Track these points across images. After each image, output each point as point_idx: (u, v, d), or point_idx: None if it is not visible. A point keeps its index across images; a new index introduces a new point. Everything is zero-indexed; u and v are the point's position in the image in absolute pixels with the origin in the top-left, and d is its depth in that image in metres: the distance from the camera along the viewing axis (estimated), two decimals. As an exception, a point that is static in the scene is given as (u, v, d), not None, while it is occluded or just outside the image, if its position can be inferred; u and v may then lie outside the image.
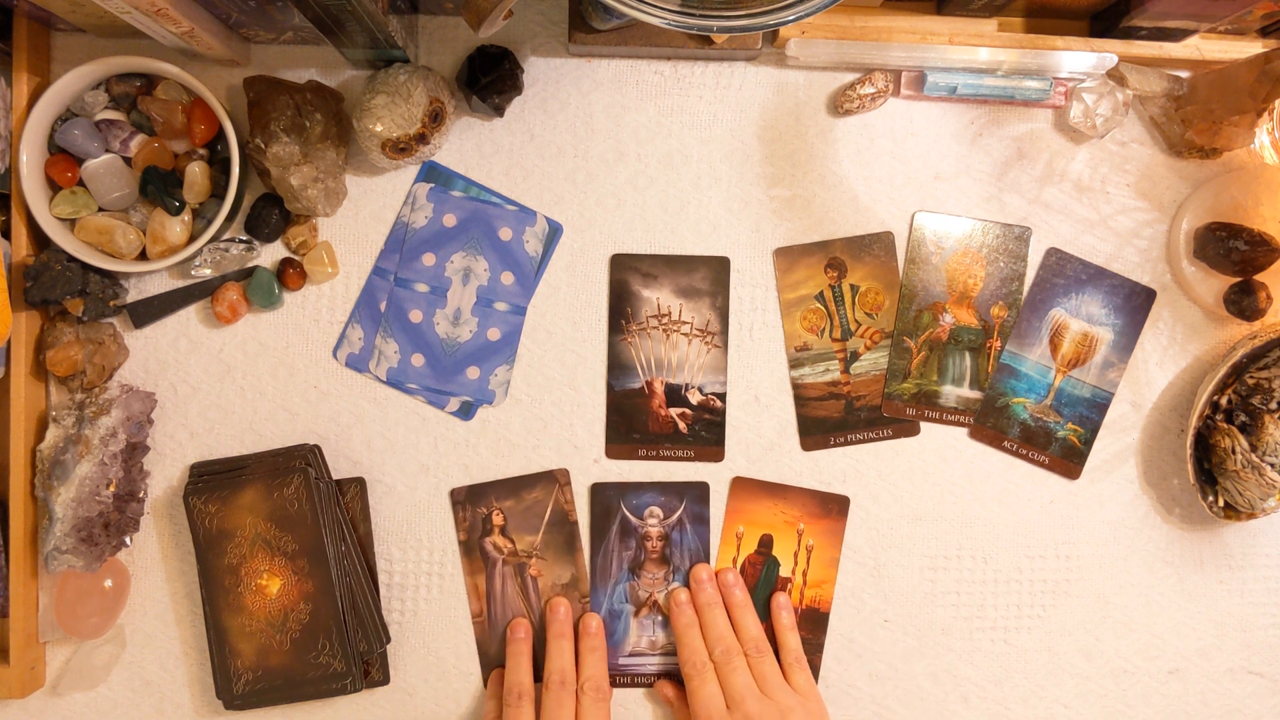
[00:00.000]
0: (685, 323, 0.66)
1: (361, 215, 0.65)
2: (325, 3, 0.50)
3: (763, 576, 0.66)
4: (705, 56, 0.65)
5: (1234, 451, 0.63)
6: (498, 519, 0.65)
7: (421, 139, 0.61)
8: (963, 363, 0.67)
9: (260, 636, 0.60)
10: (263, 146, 0.59)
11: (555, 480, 0.65)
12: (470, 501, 0.65)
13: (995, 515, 0.67)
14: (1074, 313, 0.67)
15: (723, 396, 0.66)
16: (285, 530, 0.60)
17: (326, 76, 0.64)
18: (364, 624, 0.62)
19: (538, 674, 0.63)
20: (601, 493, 0.66)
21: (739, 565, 0.66)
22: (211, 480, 0.62)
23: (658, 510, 0.66)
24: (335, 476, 0.64)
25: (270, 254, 0.64)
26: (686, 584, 0.66)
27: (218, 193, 0.61)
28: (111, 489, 0.59)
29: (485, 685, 0.65)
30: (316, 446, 0.63)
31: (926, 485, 0.67)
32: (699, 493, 0.66)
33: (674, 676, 0.65)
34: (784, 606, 0.65)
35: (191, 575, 0.64)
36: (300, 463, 0.61)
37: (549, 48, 0.65)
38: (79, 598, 0.61)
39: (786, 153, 0.67)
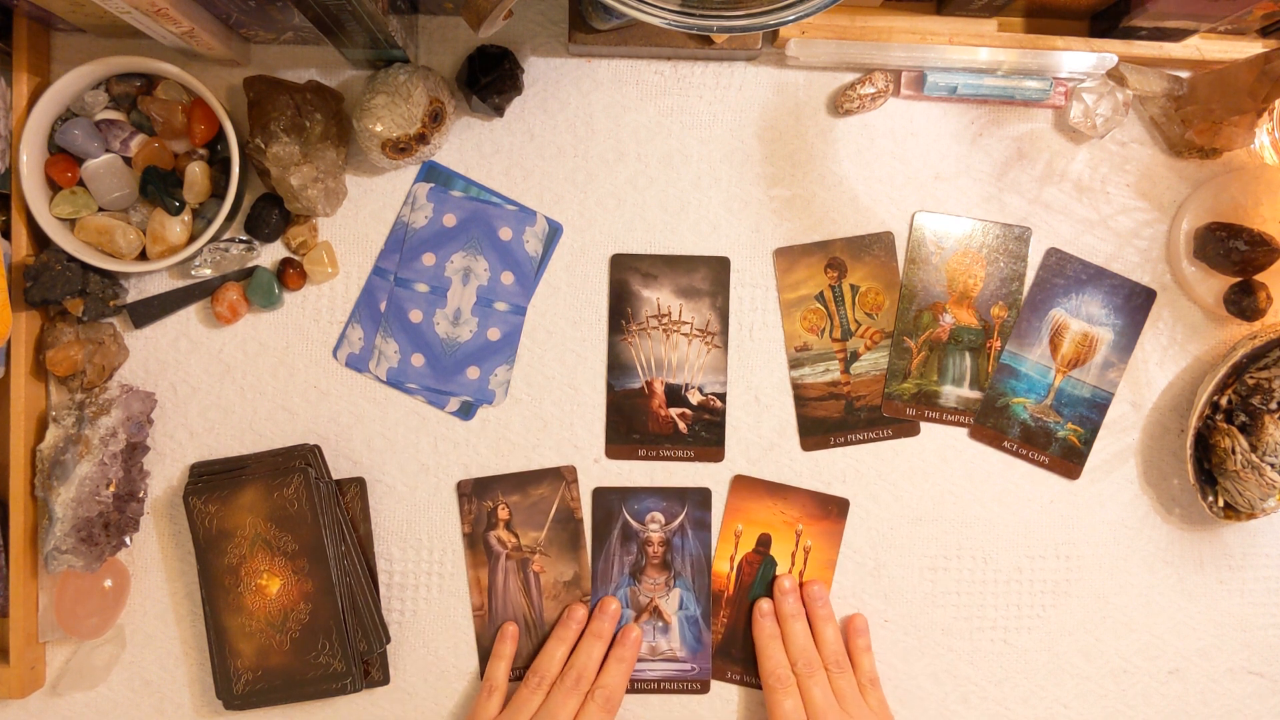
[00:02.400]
0: (685, 323, 0.66)
1: (361, 215, 0.65)
2: (325, 3, 0.50)
3: (759, 576, 0.66)
4: (705, 56, 0.65)
5: (1234, 451, 0.63)
6: (503, 513, 0.65)
7: (421, 139, 0.61)
8: (963, 363, 0.67)
9: (260, 636, 0.60)
10: (263, 146, 0.59)
11: (562, 477, 0.65)
12: (476, 494, 0.65)
13: (995, 515, 0.67)
14: (1074, 313, 0.67)
15: (723, 396, 0.66)
16: (285, 530, 0.60)
17: (326, 76, 0.64)
18: (364, 624, 0.62)
19: (518, 673, 0.64)
20: (603, 497, 0.66)
21: (736, 563, 0.66)
22: (211, 480, 0.62)
23: (659, 515, 0.66)
24: (335, 476, 0.64)
25: (270, 254, 0.64)
26: (692, 589, 0.66)
27: (218, 193, 0.61)
28: (111, 489, 0.59)
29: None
30: (316, 446, 0.63)
31: (926, 485, 0.67)
32: (701, 498, 0.66)
33: (674, 683, 0.65)
34: (861, 631, 0.65)
35: (191, 575, 0.64)
36: (300, 463, 0.61)
37: (549, 48, 0.65)
38: (79, 598, 0.61)
39: (786, 153, 0.67)
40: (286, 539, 0.60)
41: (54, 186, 0.60)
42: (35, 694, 0.63)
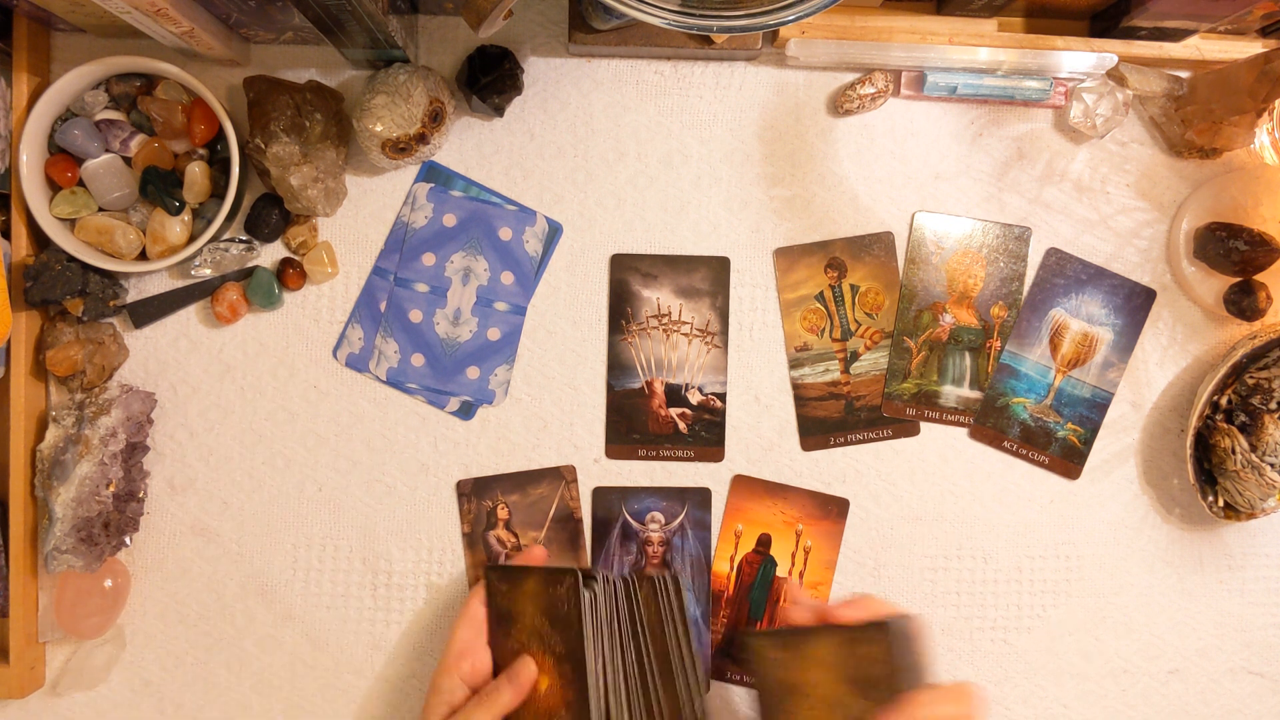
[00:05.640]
0: (685, 323, 0.66)
1: (361, 215, 0.65)
2: (325, 3, 0.50)
3: (759, 576, 0.66)
4: (705, 56, 0.65)
5: (1234, 451, 0.63)
6: (503, 513, 0.65)
7: (421, 139, 0.61)
8: (963, 363, 0.67)
9: None
10: (263, 146, 0.59)
11: (562, 477, 0.65)
12: (476, 494, 0.65)
13: (995, 515, 0.67)
14: (1074, 313, 0.67)
15: (723, 396, 0.66)
16: (555, 629, 0.55)
17: (326, 76, 0.64)
18: None
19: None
20: (603, 497, 0.66)
21: (736, 563, 0.66)
22: (509, 566, 0.58)
23: (659, 515, 0.66)
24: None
25: (270, 254, 0.64)
26: (691, 589, 0.66)
27: (218, 193, 0.61)
28: (111, 489, 0.59)
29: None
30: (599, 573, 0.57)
31: (926, 485, 0.67)
32: (701, 498, 0.66)
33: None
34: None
35: (191, 575, 0.64)
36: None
37: (549, 48, 0.65)
38: (79, 598, 0.61)
39: (786, 153, 0.67)
40: (555, 639, 0.55)
41: (54, 186, 0.60)
42: (35, 694, 0.63)
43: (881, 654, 0.48)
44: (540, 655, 0.55)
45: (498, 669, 0.57)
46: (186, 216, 0.60)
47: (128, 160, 0.60)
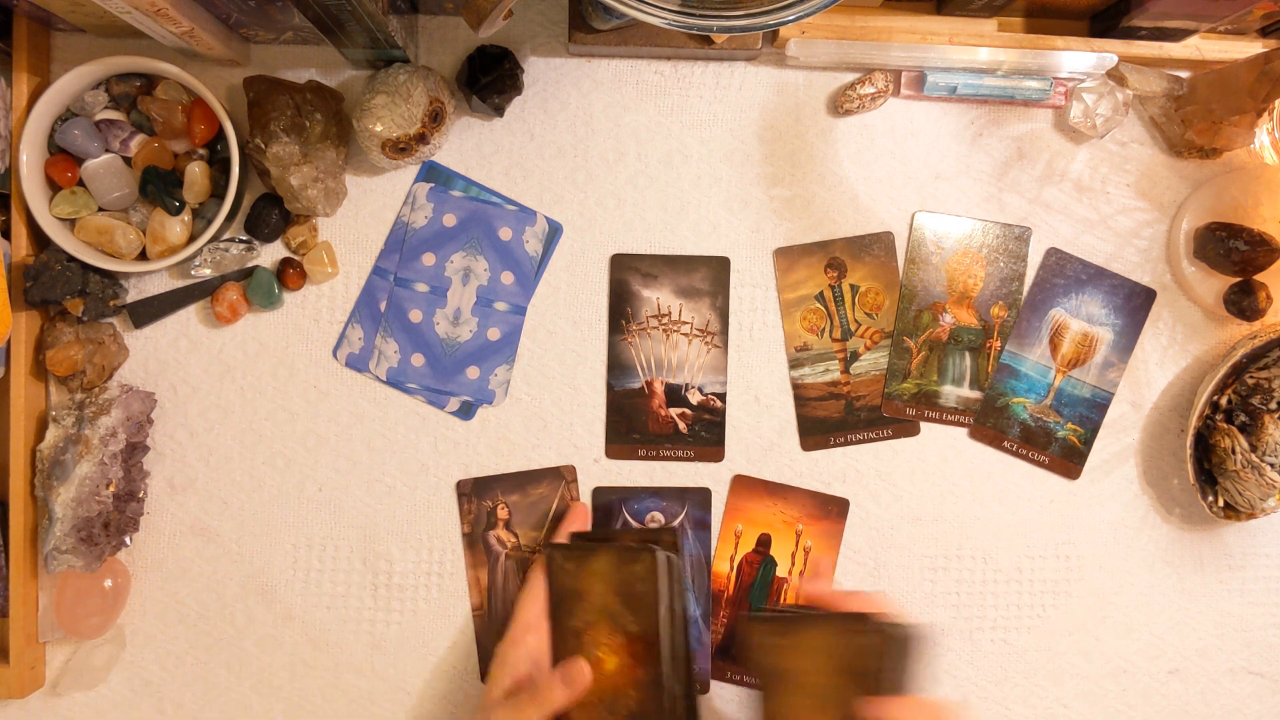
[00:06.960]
0: (685, 323, 0.66)
1: (361, 215, 0.65)
2: (325, 3, 0.50)
3: (759, 576, 0.66)
4: (705, 56, 0.65)
5: (1234, 451, 0.63)
6: (502, 513, 0.65)
7: (421, 139, 0.61)
8: (963, 363, 0.67)
9: (590, 709, 0.55)
10: (263, 146, 0.59)
11: (562, 477, 0.65)
12: (476, 494, 0.65)
13: (995, 515, 0.67)
14: (1074, 313, 0.67)
15: (723, 396, 0.66)
16: (629, 608, 0.55)
17: (326, 76, 0.64)
18: None
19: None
20: (603, 497, 0.66)
21: (736, 563, 0.66)
22: (576, 542, 0.60)
23: (659, 515, 0.66)
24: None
25: (270, 254, 0.64)
26: (691, 590, 0.65)
27: (218, 193, 0.61)
28: (111, 489, 0.59)
29: (485, 679, 0.65)
30: (677, 527, 0.63)
31: (926, 485, 0.67)
32: (701, 498, 0.66)
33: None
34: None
35: (191, 575, 0.64)
36: (654, 542, 0.57)
37: (549, 48, 0.65)
38: (79, 598, 0.61)
39: (786, 153, 0.67)
40: (628, 618, 0.55)
41: (54, 186, 0.60)
42: (35, 694, 0.63)
43: (877, 649, 0.50)
44: (608, 634, 0.55)
45: (555, 649, 0.56)
46: (186, 216, 0.60)
47: (128, 160, 0.60)
